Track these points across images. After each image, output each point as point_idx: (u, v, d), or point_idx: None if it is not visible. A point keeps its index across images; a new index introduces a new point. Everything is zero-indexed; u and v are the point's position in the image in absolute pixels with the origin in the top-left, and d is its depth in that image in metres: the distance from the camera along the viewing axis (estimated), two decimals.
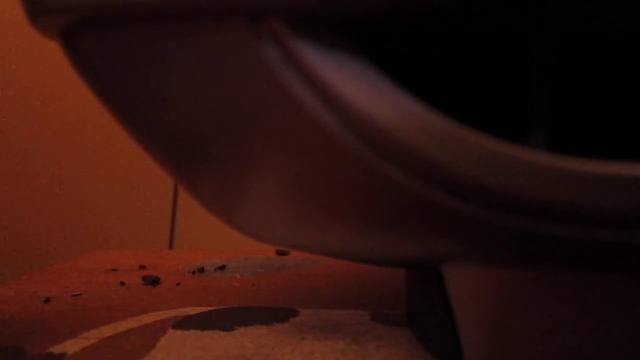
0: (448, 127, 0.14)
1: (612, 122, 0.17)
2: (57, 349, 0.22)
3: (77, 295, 0.31)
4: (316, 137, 0.15)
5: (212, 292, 0.31)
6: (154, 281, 0.34)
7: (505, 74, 0.17)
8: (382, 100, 0.14)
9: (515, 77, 0.17)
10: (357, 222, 0.16)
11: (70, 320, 0.26)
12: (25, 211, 0.74)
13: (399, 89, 0.14)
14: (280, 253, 0.43)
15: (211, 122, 0.16)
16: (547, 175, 0.14)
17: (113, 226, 0.75)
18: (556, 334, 0.16)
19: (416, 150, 0.14)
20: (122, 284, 0.33)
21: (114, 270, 0.38)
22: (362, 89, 0.14)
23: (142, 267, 0.38)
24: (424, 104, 0.14)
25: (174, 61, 0.15)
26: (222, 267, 0.38)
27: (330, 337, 0.23)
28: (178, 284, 0.34)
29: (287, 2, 0.14)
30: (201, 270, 0.37)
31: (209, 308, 0.28)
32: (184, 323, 0.25)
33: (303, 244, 0.19)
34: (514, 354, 0.17)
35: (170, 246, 0.75)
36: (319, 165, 0.15)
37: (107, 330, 0.25)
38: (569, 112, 0.17)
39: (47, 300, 0.29)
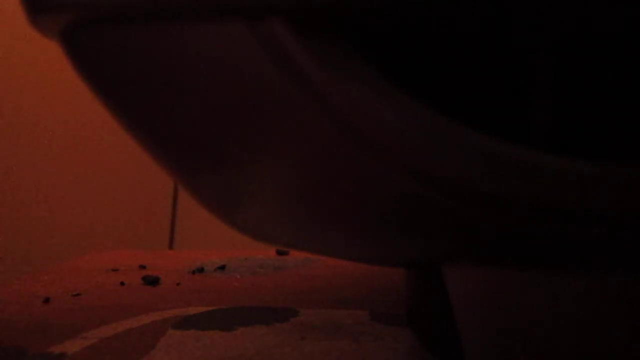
0: (448, 127, 0.14)
1: (613, 122, 0.17)
2: (57, 349, 0.22)
3: (77, 295, 0.31)
4: (315, 139, 0.15)
5: (212, 292, 0.31)
6: (154, 281, 0.34)
7: (505, 73, 0.17)
8: (381, 103, 0.14)
9: (515, 77, 0.17)
10: (357, 223, 0.16)
11: (70, 320, 0.26)
12: (25, 211, 0.74)
13: (398, 90, 0.14)
14: (280, 253, 0.43)
15: (210, 123, 0.16)
16: (546, 176, 0.14)
17: (113, 226, 0.75)
18: (556, 334, 0.16)
19: (416, 152, 0.14)
20: (122, 284, 0.33)
21: (114, 270, 0.38)
22: (360, 92, 0.14)
23: (142, 267, 0.38)
24: (424, 105, 0.14)
25: (173, 61, 0.15)
26: (222, 267, 0.38)
27: (330, 337, 0.23)
28: (178, 284, 0.34)
29: (287, 3, 0.14)
30: (201, 270, 0.37)
31: (209, 308, 0.28)
32: (184, 323, 0.25)
33: (303, 244, 0.19)
34: (514, 354, 0.17)
35: (170, 246, 0.75)
36: (317, 168, 0.15)
37: (107, 330, 0.25)
38: (570, 112, 0.17)
39: (47, 300, 0.29)
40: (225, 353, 0.22)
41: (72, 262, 0.40)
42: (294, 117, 0.15)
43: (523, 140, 0.16)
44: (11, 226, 0.74)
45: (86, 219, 0.75)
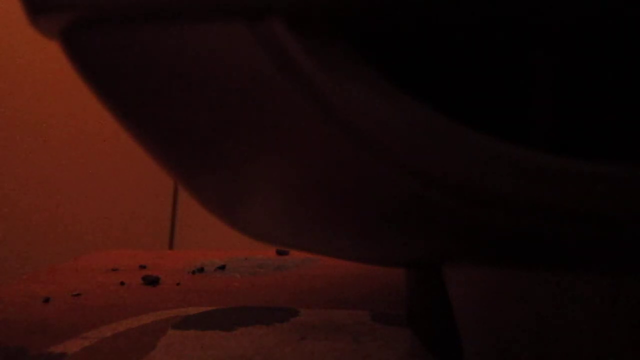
0: (448, 127, 0.14)
1: (613, 122, 0.17)
2: (57, 349, 0.22)
3: (77, 295, 0.31)
4: (315, 139, 0.15)
5: (212, 292, 0.31)
6: (154, 281, 0.34)
7: (505, 73, 0.17)
8: (381, 103, 0.14)
9: (515, 77, 0.17)
10: (357, 223, 0.16)
11: (70, 320, 0.26)
12: (25, 211, 0.74)
13: (398, 90, 0.14)
14: (280, 253, 0.43)
15: (210, 123, 0.16)
16: (546, 176, 0.14)
17: (113, 226, 0.75)
18: (557, 334, 0.16)
19: (416, 152, 0.14)
20: (122, 284, 0.33)
21: (114, 270, 0.38)
22: (360, 92, 0.14)
23: (142, 267, 0.38)
24: (424, 105, 0.14)
25: (173, 61, 0.15)
26: (222, 267, 0.38)
27: (330, 337, 0.23)
28: (178, 284, 0.34)
29: (287, 3, 0.14)
30: (201, 270, 0.37)
31: (209, 308, 0.28)
32: (184, 323, 0.25)
33: (303, 245, 0.19)
34: (514, 354, 0.17)
35: (170, 246, 0.75)
36: (317, 167, 0.15)
37: (107, 330, 0.25)
38: (570, 112, 0.17)
39: (47, 300, 0.29)
40: (225, 353, 0.22)
41: (72, 262, 0.40)
42: (294, 117, 0.15)
43: (523, 140, 0.16)
44: (11, 226, 0.74)
45: (86, 219, 0.75)
